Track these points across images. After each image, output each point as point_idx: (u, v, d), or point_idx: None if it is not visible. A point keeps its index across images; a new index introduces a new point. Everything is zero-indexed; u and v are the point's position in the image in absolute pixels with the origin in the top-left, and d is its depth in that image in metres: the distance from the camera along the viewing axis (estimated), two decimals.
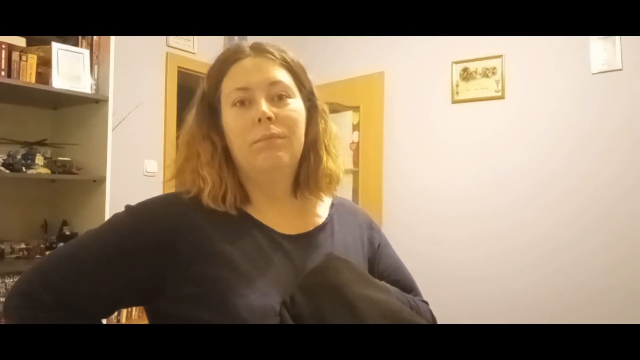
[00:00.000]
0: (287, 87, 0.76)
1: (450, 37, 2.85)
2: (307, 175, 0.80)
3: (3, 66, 1.86)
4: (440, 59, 2.95)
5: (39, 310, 0.66)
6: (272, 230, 0.76)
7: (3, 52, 1.86)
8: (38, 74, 1.96)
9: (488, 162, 2.77)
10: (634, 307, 2.25)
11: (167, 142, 2.83)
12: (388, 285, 0.79)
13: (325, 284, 0.68)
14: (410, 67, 3.08)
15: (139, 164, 2.72)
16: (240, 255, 0.70)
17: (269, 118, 0.72)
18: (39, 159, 2.06)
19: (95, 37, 2.16)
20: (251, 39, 0.80)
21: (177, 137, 0.81)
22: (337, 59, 3.33)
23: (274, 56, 0.76)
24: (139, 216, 0.72)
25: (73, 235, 2.13)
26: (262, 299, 0.67)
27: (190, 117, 0.80)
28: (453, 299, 2.75)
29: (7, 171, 1.93)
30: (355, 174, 3.24)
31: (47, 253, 1.30)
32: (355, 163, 3.25)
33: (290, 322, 0.66)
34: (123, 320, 2.37)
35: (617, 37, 2.38)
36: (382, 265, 0.88)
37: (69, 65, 2.03)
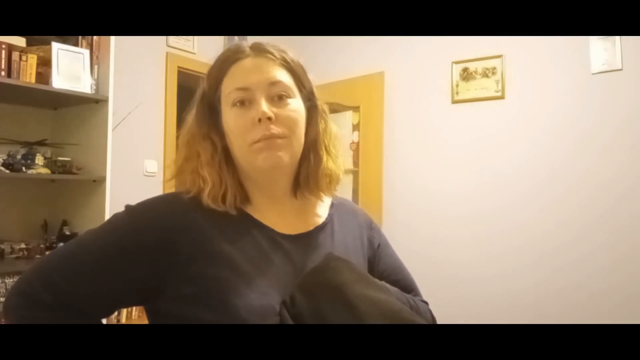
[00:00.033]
0: (287, 87, 0.76)
1: (450, 37, 2.85)
2: (307, 175, 0.80)
3: (3, 66, 1.86)
4: (440, 59, 2.95)
5: (39, 310, 0.66)
6: (272, 230, 0.76)
7: (3, 52, 1.86)
8: (38, 74, 1.96)
9: (488, 162, 2.77)
10: (634, 307, 2.25)
11: (167, 142, 2.83)
12: (388, 285, 0.79)
13: (325, 284, 0.68)
14: (410, 67, 3.07)
15: (139, 164, 2.72)
16: (240, 255, 0.70)
17: (269, 118, 0.72)
18: (39, 159, 2.06)
19: (95, 37, 2.16)
20: (251, 39, 0.80)
21: (177, 137, 0.81)
22: (337, 59, 3.33)
23: (274, 56, 0.76)
24: (139, 216, 0.72)
25: (73, 235, 2.13)
26: (262, 299, 0.67)
27: (190, 117, 0.80)
28: (453, 299, 2.75)
29: (7, 171, 1.94)
30: (355, 174, 3.24)
31: (47, 253, 1.30)
32: (355, 163, 3.25)
33: (290, 322, 0.66)
34: (123, 320, 2.37)
35: (617, 37, 2.38)
36: (382, 265, 0.88)
37: (69, 65, 2.03)
